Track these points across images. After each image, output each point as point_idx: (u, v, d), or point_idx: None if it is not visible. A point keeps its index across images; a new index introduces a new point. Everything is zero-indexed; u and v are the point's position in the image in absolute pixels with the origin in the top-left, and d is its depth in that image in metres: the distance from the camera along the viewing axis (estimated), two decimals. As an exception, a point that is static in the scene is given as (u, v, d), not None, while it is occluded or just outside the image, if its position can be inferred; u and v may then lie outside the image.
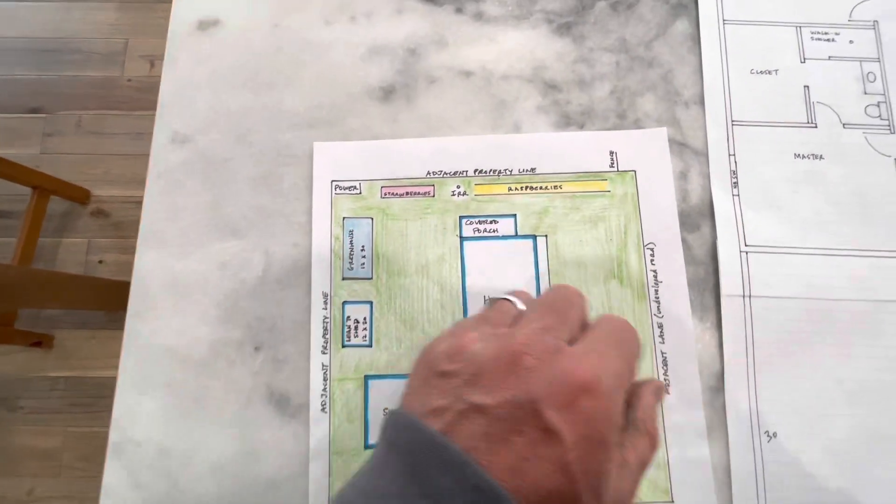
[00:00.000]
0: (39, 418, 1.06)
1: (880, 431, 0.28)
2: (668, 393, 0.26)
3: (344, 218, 0.30)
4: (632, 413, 0.21)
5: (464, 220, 0.30)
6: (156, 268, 0.30)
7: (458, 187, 0.30)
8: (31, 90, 1.22)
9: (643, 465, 0.20)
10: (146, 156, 0.31)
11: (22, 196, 1.06)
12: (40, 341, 1.06)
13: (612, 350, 0.19)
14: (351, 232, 0.30)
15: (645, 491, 0.27)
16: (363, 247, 0.30)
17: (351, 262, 0.29)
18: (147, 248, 0.30)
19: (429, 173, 0.31)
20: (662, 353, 0.28)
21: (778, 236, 0.30)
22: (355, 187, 0.30)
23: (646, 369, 0.28)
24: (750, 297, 0.29)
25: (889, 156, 0.31)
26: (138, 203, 0.30)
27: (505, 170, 0.31)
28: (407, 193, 0.30)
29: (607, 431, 0.17)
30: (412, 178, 0.31)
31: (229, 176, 0.31)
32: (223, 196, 0.31)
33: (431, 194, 0.30)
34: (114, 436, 0.28)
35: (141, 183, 0.30)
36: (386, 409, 0.28)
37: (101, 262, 1.16)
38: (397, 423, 0.18)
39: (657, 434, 0.21)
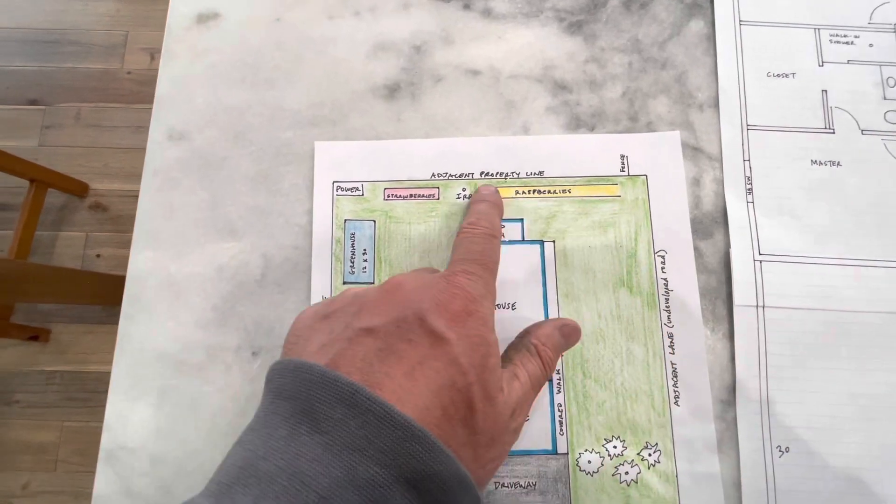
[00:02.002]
0: (35, 412, 1.06)
1: (893, 449, 0.27)
2: (581, 339, 0.27)
3: (345, 220, 0.29)
4: (526, 338, 0.24)
5: (469, 224, 0.29)
6: (150, 268, 0.29)
7: (464, 190, 0.29)
8: (29, 81, 1.21)
9: (535, 383, 0.22)
10: (146, 150, 0.30)
11: (19, 189, 1.05)
12: (37, 335, 1.06)
13: (477, 267, 0.22)
14: (352, 234, 0.29)
15: (653, 506, 0.26)
16: (365, 250, 0.29)
17: (352, 266, 0.29)
18: (142, 247, 0.29)
19: (433, 175, 0.30)
20: (672, 363, 0.27)
21: (793, 245, 0.29)
22: (357, 188, 0.29)
23: (655, 380, 0.27)
24: (763, 307, 0.28)
25: (908, 163, 0.30)
26: (137, 197, 0.29)
27: (512, 172, 0.30)
28: (411, 196, 0.29)
29: (485, 332, 0.20)
30: (416, 180, 0.30)
31: (227, 175, 0.30)
32: (221, 195, 0.30)
33: (436, 197, 0.29)
34: (105, 442, 0.27)
35: (140, 177, 0.29)
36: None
37: (98, 256, 1.15)
38: (283, 371, 0.18)
39: (549, 358, 0.23)
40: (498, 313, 0.28)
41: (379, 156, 0.30)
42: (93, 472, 0.26)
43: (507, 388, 0.20)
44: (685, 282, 0.28)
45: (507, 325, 0.28)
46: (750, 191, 0.30)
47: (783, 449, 0.27)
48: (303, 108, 0.31)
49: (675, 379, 0.27)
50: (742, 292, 0.28)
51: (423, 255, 0.29)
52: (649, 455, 0.27)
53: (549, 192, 0.29)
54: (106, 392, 0.27)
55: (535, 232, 0.29)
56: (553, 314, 0.28)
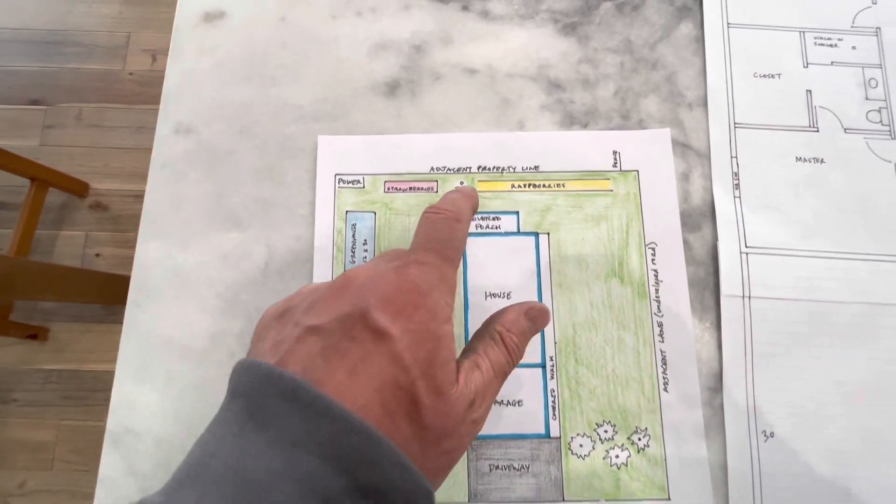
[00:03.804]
0: (33, 411, 1.06)
1: (878, 434, 0.28)
2: (549, 320, 0.24)
3: (347, 211, 0.30)
4: (490, 326, 0.23)
5: (466, 217, 0.30)
6: (157, 258, 0.30)
7: (462, 183, 0.30)
8: (32, 82, 1.22)
9: (499, 372, 0.21)
10: (147, 150, 0.31)
11: (20, 188, 1.06)
12: (35, 334, 1.06)
13: (433, 256, 0.21)
14: (353, 225, 0.30)
15: (642, 488, 0.27)
16: (366, 240, 0.30)
17: (353, 255, 0.30)
18: (148, 237, 0.30)
19: (432, 169, 0.31)
20: (662, 352, 0.28)
21: (778, 238, 0.30)
22: (359, 181, 0.30)
23: (645, 367, 0.28)
24: (750, 297, 0.29)
25: (890, 161, 0.31)
26: (137, 197, 0.30)
27: (508, 167, 0.31)
28: (410, 189, 0.30)
29: (433, 325, 0.19)
30: (416, 174, 0.31)
31: (232, 168, 0.31)
32: (226, 188, 0.31)
33: (434, 190, 0.30)
34: (111, 425, 0.28)
35: (141, 177, 0.30)
36: None
37: (98, 255, 1.15)
38: (238, 370, 0.18)
39: (514, 344, 0.22)
40: (493, 301, 0.29)
41: (380, 150, 0.31)
42: (90, 471, 0.26)
43: (464, 379, 0.20)
44: (674, 273, 0.29)
45: (502, 314, 0.29)
46: (737, 186, 0.31)
47: (768, 434, 0.28)
48: (306, 104, 0.32)
49: (664, 366, 0.28)
50: (729, 283, 0.29)
51: (421, 246, 0.30)
52: (639, 439, 0.27)
53: (543, 186, 0.30)
54: (104, 391, 0.27)
55: (530, 224, 0.30)
56: (547, 303, 0.29)
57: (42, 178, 1.04)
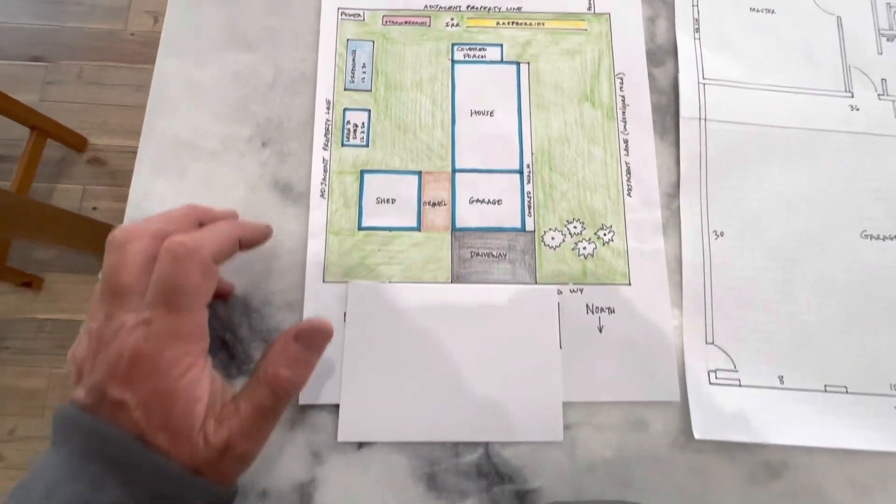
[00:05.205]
0: (25, 359, 1.07)
1: (813, 236, 0.31)
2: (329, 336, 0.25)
3: (348, 39, 0.33)
4: (262, 362, 0.23)
5: (456, 47, 0.33)
6: (175, 72, 0.33)
7: (452, 19, 0.34)
8: (33, 39, 1.24)
9: (262, 413, 0.22)
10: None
11: (19, 141, 1.07)
12: (30, 282, 1.07)
13: (160, 311, 0.21)
14: (354, 51, 0.33)
15: (606, 274, 0.30)
16: (364, 64, 0.33)
17: (352, 76, 0.33)
18: (167, 55, 0.33)
19: (426, 7, 0.34)
20: (627, 163, 0.32)
21: (733, 73, 0.34)
22: (359, 14, 0.34)
23: (611, 175, 0.32)
24: (706, 120, 0.33)
25: (832, 14, 0.35)
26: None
27: (494, 7, 0.34)
28: (406, 22, 0.34)
29: (165, 385, 0.21)
30: (411, 10, 0.34)
31: (243, 1, 0.34)
32: (238, 16, 0.34)
33: (428, 24, 0.34)
34: (129, 212, 0.30)
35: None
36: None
37: (94, 209, 1.17)
38: (67, 419, 0.21)
39: (279, 379, 0.23)
40: (478, 119, 0.32)
41: (378, -11, 0.34)
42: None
43: (214, 428, 0.21)
44: (640, 98, 0.33)
45: (486, 131, 0.32)
46: (697, 30, 0.34)
47: (719, 233, 0.31)
48: (313, -50, 0.35)
49: (628, 175, 0.32)
50: (688, 108, 0.33)
51: (415, 70, 0.33)
52: (604, 234, 0.31)
53: (525, 24, 0.34)
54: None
55: (512, 55, 0.33)
56: (525, 122, 0.32)
57: (42, 127, 1.06)
